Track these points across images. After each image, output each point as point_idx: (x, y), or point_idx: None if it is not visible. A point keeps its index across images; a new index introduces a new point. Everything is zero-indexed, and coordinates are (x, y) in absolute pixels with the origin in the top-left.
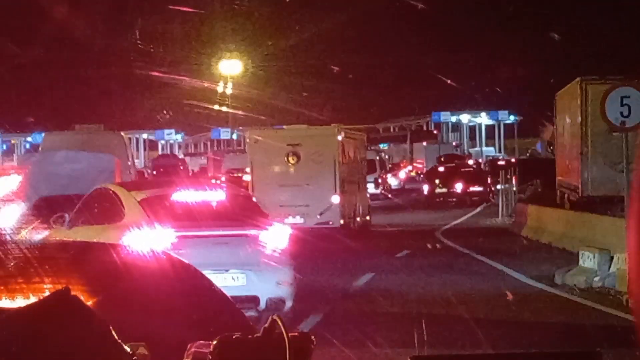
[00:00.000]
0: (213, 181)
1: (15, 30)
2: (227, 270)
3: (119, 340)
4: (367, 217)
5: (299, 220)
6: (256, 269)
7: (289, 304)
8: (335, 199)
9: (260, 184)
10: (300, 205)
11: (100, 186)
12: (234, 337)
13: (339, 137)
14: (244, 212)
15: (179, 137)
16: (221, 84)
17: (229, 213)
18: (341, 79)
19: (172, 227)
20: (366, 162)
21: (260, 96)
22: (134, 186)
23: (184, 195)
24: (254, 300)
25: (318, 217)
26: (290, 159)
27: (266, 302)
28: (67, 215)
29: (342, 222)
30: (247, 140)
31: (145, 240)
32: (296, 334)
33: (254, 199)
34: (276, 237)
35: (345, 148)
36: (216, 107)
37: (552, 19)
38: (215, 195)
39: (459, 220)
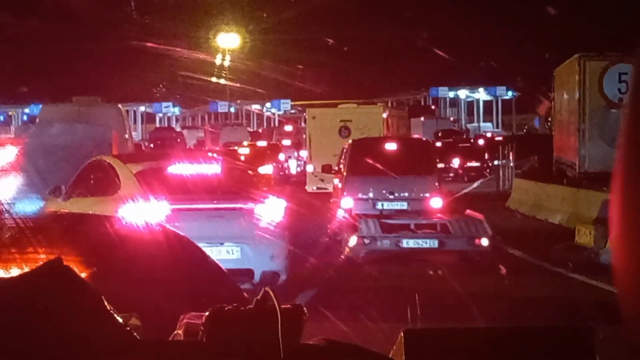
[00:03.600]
0: (210, 154)
1: (11, 0)
2: (222, 244)
3: (112, 311)
4: None
5: None
6: (251, 242)
7: (283, 277)
8: None
9: (316, 153)
10: None
11: (96, 158)
12: (226, 308)
13: (384, 115)
14: (240, 185)
15: (176, 110)
16: (219, 56)
17: (224, 186)
18: (337, 52)
19: (168, 200)
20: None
21: (257, 69)
22: (130, 158)
23: (180, 168)
24: (249, 273)
25: None
26: (342, 132)
27: (261, 275)
28: (63, 187)
29: None
30: (306, 117)
31: (140, 212)
32: (288, 306)
33: (249, 172)
34: (271, 210)
35: (389, 123)
36: (214, 79)
37: None
38: (211, 169)
39: (454, 196)
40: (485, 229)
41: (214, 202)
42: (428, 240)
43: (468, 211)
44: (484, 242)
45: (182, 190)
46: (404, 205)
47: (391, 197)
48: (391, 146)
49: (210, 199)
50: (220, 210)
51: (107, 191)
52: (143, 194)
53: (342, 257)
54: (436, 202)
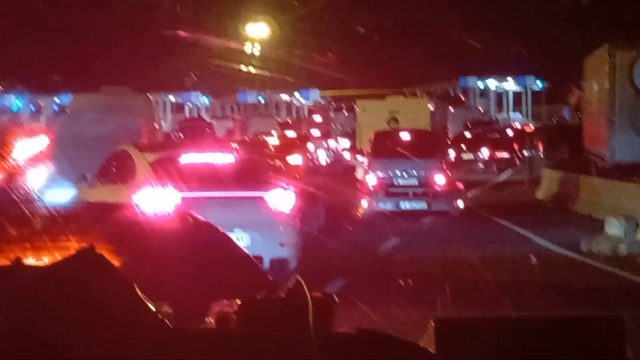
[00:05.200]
0: (233, 144)
1: None
2: (231, 231)
3: (144, 298)
4: None
5: None
6: (260, 229)
7: (293, 264)
8: None
9: (366, 143)
10: None
11: (119, 147)
12: (257, 297)
13: (430, 107)
14: (253, 174)
15: (206, 100)
16: (248, 45)
17: (237, 175)
18: (367, 41)
19: (181, 188)
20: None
21: (287, 58)
22: (147, 147)
23: (195, 157)
24: (258, 260)
25: None
26: (391, 123)
27: (269, 262)
28: (88, 175)
29: None
30: (357, 109)
31: (153, 200)
32: (319, 294)
33: (268, 161)
34: (281, 198)
35: (434, 114)
36: (243, 68)
37: None
38: (226, 158)
39: (484, 186)
40: (463, 195)
41: (225, 190)
42: (419, 203)
43: (456, 183)
44: (460, 204)
45: (195, 178)
46: (414, 181)
47: (405, 174)
48: (405, 136)
49: (222, 187)
50: (231, 199)
51: (125, 179)
52: (156, 182)
53: (359, 215)
54: (439, 179)
